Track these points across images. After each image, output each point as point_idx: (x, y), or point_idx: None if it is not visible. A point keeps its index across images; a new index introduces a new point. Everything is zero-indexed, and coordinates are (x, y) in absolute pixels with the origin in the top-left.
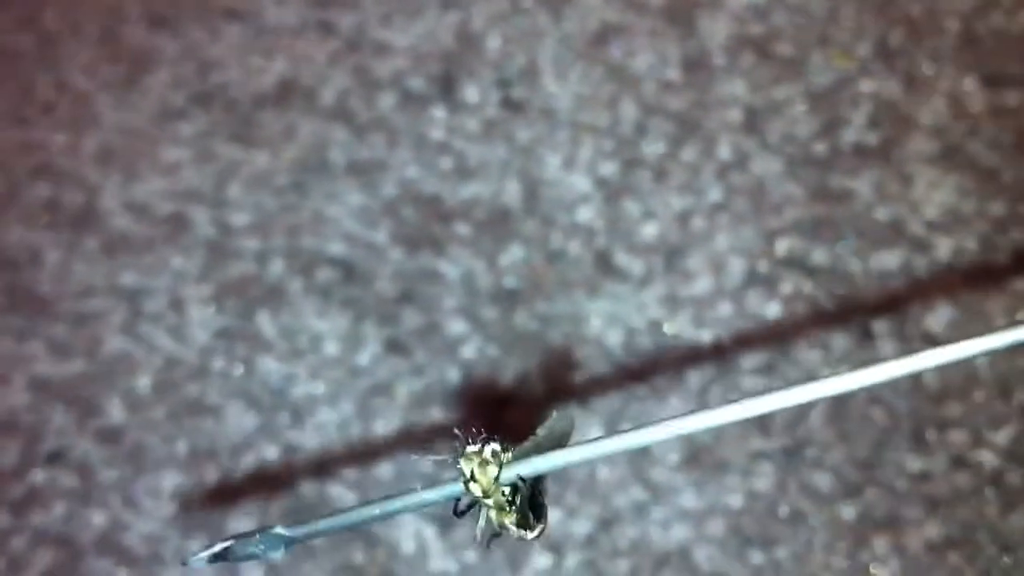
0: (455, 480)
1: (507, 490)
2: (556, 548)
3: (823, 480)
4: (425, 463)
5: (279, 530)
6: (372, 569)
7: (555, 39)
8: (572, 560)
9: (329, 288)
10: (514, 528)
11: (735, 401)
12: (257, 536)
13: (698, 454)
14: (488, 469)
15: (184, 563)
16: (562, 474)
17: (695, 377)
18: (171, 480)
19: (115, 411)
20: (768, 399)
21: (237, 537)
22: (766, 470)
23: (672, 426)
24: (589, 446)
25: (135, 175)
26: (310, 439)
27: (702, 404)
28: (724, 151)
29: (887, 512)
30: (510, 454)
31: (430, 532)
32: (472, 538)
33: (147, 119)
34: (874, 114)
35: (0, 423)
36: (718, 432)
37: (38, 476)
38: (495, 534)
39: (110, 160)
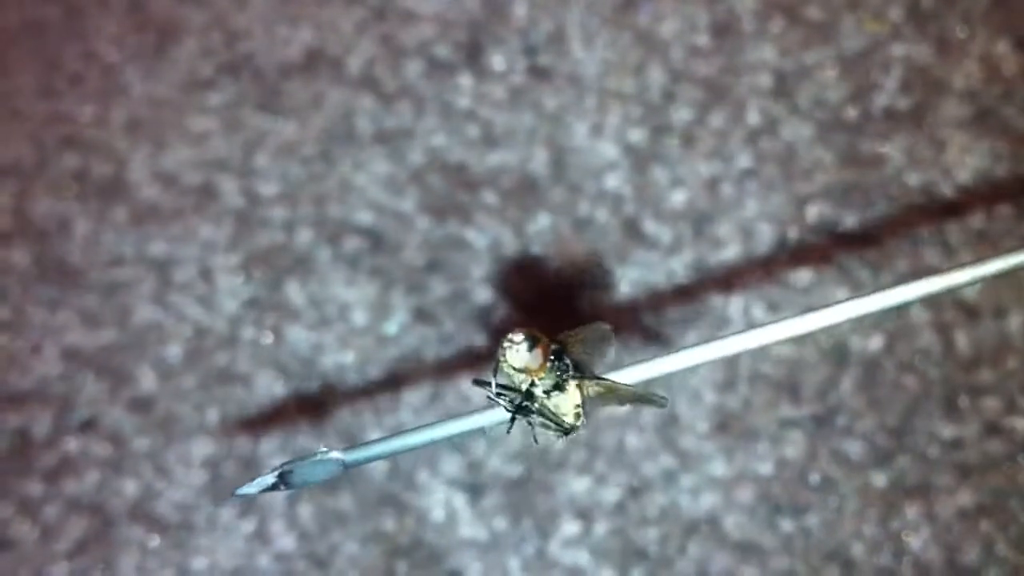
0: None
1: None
2: (585, 515)
3: (854, 447)
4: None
5: (334, 454)
6: (402, 536)
7: (582, 5)
8: (601, 528)
9: (357, 257)
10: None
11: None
12: (314, 457)
13: (727, 422)
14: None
15: (233, 494)
16: (591, 442)
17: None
18: (202, 448)
19: (146, 380)
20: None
21: (290, 463)
22: (796, 438)
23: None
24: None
25: (163, 145)
26: (340, 408)
27: (731, 373)
28: (753, 117)
29: (919, 479)
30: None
31: (460, 500)
32: (500, 505)
33: (175, 89)
34: (906, 78)
35: (33, 392)
36: (747, 400)
37: (71, 445)
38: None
39: (138, 130)
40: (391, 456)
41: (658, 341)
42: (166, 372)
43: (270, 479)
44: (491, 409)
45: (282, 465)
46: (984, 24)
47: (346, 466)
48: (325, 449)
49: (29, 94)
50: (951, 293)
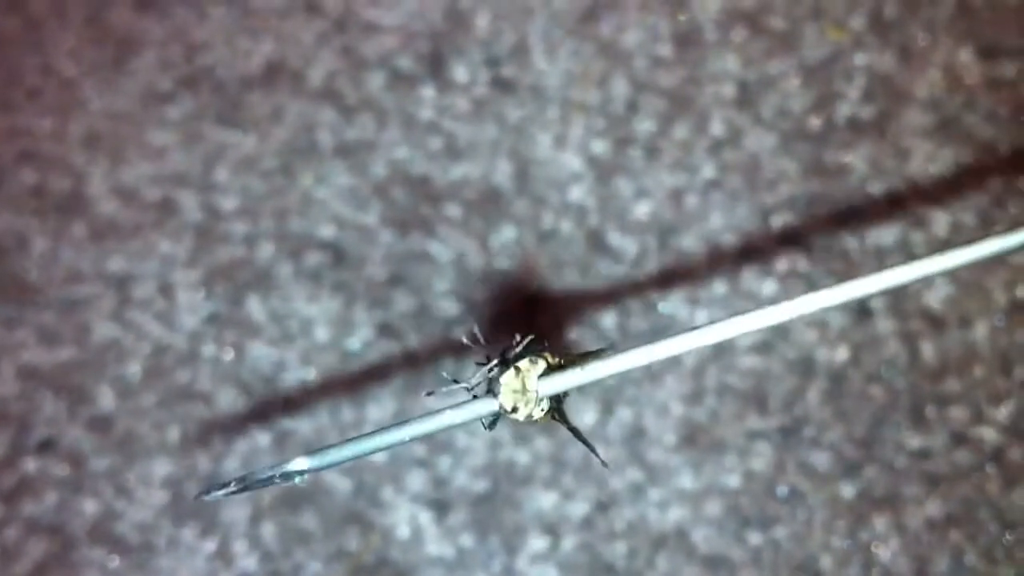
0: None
1: (541, 404)
2: (553, 530)
3: (821, 459)
4: (416, 447)
5: (298, 461)
6: (367, 555)
7: (545, 16)
8: (569, 542)
9: (319, 272)
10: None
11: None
12: (275, 475)
13: (695, 435)
14: (526, 377)
15: (197, 496)
16: (558, 457)
17: (690, 357)
18: (163, 468)
19: (105, 399)
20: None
21: (250, 475)
22: (763, 450)
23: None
24: (623, 357)
25: (122, 160)
26: (302, 425)
27: (698, 385)
28: (717, 127)
29: (887, 490)
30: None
31: (425, 517)
32: (467, 522)
33: (134, 103)
34: (869, 87)
35: None
36: (714, 412)
37: (29, 465)
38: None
39: (97, 145)
40: (352, 460)
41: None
42: (125, 390)
43: (230, 488)
44: (452, 409)
45: (243, 477)
46: (946, 33)
47: (310, 459)
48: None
49: None
50: (914, 296)
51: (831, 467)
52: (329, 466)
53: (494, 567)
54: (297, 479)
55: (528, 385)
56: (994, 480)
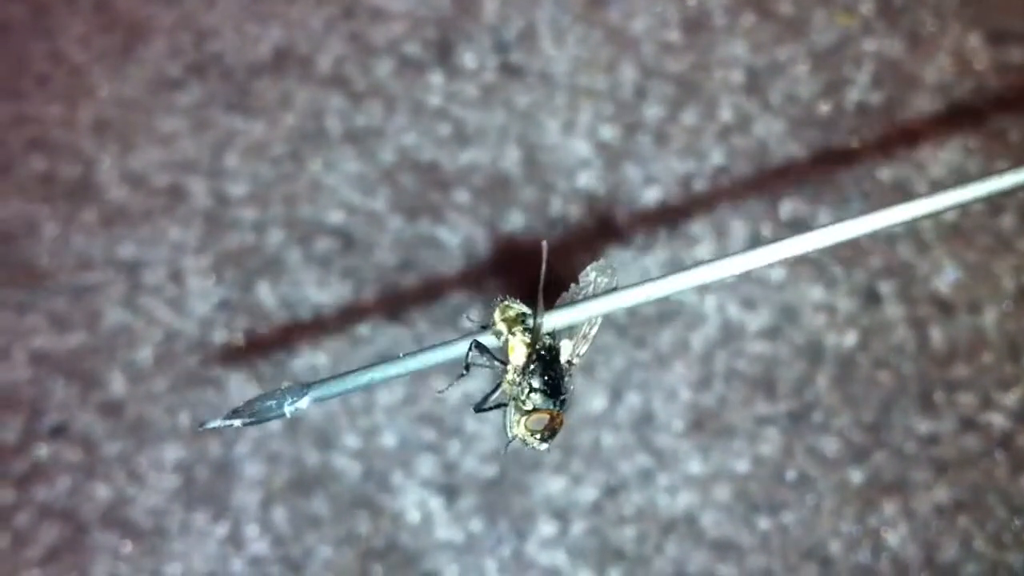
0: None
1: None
2: (562, 515)
3: (830, 444)
4: (425, 435)
5: (298, 385)
6: (377, 539)
7: (553, 1)
8: (578, 527)
9: (328, 257)
10: (529, 405)
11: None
12: (278, 391)
13: (703, 420)
14: (511, 309)
15: (201, 426)
16: (567, 442)
17: (699, 343)
18: (174, 453)
19: (116, 384)
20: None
21: (255, 399)
22: (772, 435)
23: (711, 269)
24: (616, 295)
25: (131, 146)
26: (312, 410)
27: (706, 370)
28: (725, 113)
29: (895, 476)
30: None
31: (435, 502)
32: (476, 507)
33: (143, 90)
34: (877, 73)
35: (1, 398)
36: (722, 398)
37: (41, 451)
38: (501, 405)
39: (106, 132)
40: (358, 390)
41: (631, 341)
42: (136, 376)
43: (234, 411)
44: (454, 343)
45: (246, 403)
46: (955, 18)
47: (310, 389)
48: (288, 384)
49: None
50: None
51: (840, 452)
52: (328, 396)
53: (503, 552)
54: (292, 411)
55: (513, 313)
56: (1002, 466)
